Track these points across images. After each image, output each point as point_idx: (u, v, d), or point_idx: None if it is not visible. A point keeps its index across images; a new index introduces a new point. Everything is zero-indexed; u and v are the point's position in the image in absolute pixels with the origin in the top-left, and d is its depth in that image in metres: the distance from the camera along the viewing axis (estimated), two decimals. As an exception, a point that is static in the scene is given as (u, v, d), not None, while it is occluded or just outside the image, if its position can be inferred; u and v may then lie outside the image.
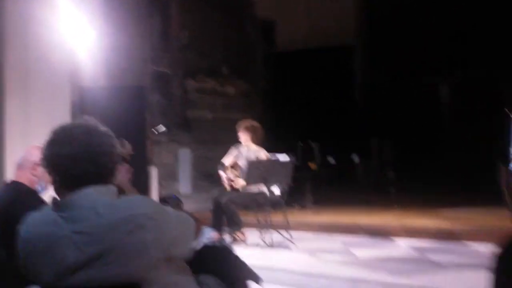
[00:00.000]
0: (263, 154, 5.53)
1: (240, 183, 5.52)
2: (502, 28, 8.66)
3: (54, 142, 1.45)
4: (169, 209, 1.56)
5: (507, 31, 8.55)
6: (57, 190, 1.48)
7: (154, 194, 7.09)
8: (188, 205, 7.99)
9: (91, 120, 1.52)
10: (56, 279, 1.39)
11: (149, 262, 1.38)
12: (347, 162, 7.12)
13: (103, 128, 1.51)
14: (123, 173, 1.80)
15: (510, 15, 8.44)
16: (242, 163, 5.64)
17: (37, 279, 1.45)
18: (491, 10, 8.75)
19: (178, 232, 1.49)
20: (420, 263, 4.19)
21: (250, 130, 5.60)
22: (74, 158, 1.42)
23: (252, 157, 5.45)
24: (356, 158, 6.88)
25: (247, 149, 5.65)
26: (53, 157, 1.44)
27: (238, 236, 5.30)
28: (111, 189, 1.50)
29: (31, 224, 1.50)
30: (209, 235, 2.19)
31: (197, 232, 1.65)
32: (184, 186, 8.36)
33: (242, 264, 2.13)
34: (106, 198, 1.44)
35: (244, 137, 5.61)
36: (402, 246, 4.87)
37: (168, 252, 1.44)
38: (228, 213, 5.26)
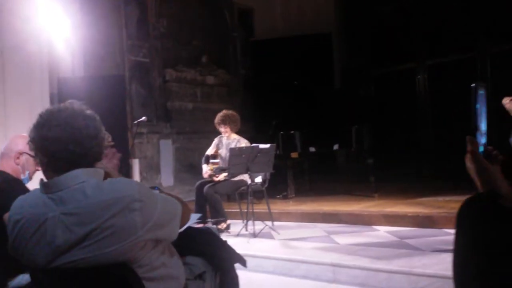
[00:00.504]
0: (243, 143, 5.57)
1: (221, 176, 5.56)
2: (475, 10, 8.81)
3: (40, 125, 1.48)
4: (156, 192, 1.59)
5: (480, 12, 8.71)
6: (45, 172, 1.51)
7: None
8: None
9: (76, 104, 1.54)
10: (48, 260, 1.42)
11: (137, 243, 1.42)
12: (328, 150, 7.17)
13: (89, 111, 1.54)
14: (110, 158, 1.80)
15: None
16: (223, 152, 5.68)
17: (29, 261, 1.47)
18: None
19: (165, 214, 1.52)
20: (399, 248, 4.28)
21: (227, 120, 5.61)
22: (61, 140, 1.45)
23: (233, 146, 5.49)
24: (335, 146, 6.93)
25: (227, 139, 5.70)
26: (40, 140, 1.47)
27: (221, 226, 5.34)
28: (99, 171, 1.53)
29: (20, 206, 1.53)
30: (194, 219, 2.21)
31: (185, 216, 1.67)
32: (166, 178, 8.34)
33: (228, 247, 2.17)
34: (93, 179, 1.46)
35: (223, 129, 5.63)
36: (382, 233, 4.97)
37: (155, 234, 1.47)
38: (211, 202, 5.29)
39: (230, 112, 5.71)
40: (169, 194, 1.67)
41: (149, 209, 1.44)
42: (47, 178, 1.50)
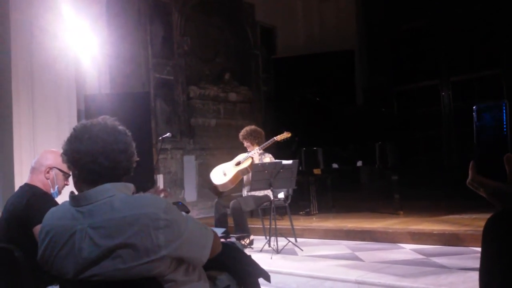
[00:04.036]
0: (268, 158, 5.57)
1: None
2: (498, 28, 8.74)
3: (73, 138, 1.52)
4: (189, 216, 1.57)
5: (503, 30, 8.64)
6: (76, 184, 1.55)
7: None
8: (194, 212, 8.04)
9: (109, 119, 1.57)
10: (75, 272, 1.44)
11: (162, 261, 1.41)
12: (351, 166, 7.13)
13: (120, 127, 1.57)
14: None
15: (506, 14, 8.53)
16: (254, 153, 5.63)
17: (58, 272, 1.49)
18: (488, 11, 8.84)
19: (194, 238, 1.51)
20: (425, 266, 4.21)
21: (251, 136, 5.63)
22: (91, 153, 1.48)
23: (256, 161, 5.50)
24: (359, 162, 6.88)
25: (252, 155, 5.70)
26: (71, 152, 1.50)
27: (244, 241, 5.33)
28: (128, 186, 1.55)
29: (51, 218, 1.56)
30: (219, 234, 2.20)
31: (216, 246, 1.62)
32: (189, 193, 8.39)
33: (253, 262, 2.17)
34: (122, 194, 1.48)
35: (247, 144, 5.66)
36: (408, 250, 4.89)
37: (181, 255, 1.47)
38: (236, 217, 5.29)
39: (253, 127, 5.75)
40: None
41: (175, 229, 1.43)
42: (78, 190, 1.53)
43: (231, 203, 5.32)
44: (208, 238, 1.57)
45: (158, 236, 1.39)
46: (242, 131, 5.73)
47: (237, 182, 5.61)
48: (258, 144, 5.66)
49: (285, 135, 5.70)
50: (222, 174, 5.60)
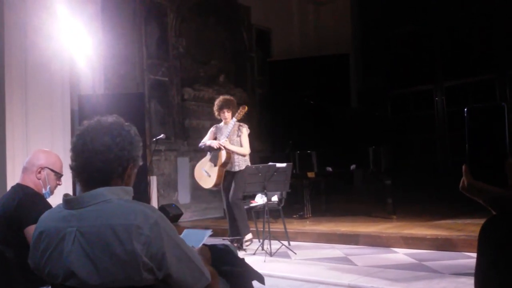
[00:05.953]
0: (245, 129, 5.43)
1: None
2: (493, 33, 8.80)
3: (77, 136, 1.49)
4: (190, 248, 1.50)
5: (497, 36, 8.70)
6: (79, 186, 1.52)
7: (154, 203, 7.09)
8: (187, 215, 8.02)
9: (116, 120, 1.52)
10: (65, 276, 1.40)
11: (140, 273, 1.35)
12: (345, 170, 7.13)
13: (126, 129, 1.51)
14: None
15: (501, 19, 8.60)
16: (221, 140, 5.47)
17: (49, 275, 1.45)
18: (483, 16, 8.90)
19: (175, 255, 1.41)
20: (418, 271, 4.21)
21: (231, 106, 5.43)
22: (84, 156, 1.45)
23: (234, 134, 5.36)
24: (352, 166, 6.89)
25: (226, 126, 5.51)
26: (72, 150, 1.48)
27: (244, 241, 5.33)
28: (127, 190, 1.50)
29: (45, 219, 1.53)
30: (207, 235, 2.18)
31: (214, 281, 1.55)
32: (183, 195, 8.35)
33: (246, 264, 2.14)
34: (117, 200, 1.44)
35: (226, 115, 5.44)
36: (401, 255, 4.89)
37: (161, 270, 1.38)
38: (236, 215, 5.25)
39: (229, 96, 5.57)
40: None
41: (155, 248, 1.36)
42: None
43: (229, 199, 5.29)
44: (195, 260, 1.47)
45: (137, 251, 1.33)
46: (221, 100, 5.47)
47: (223, 175, 5.45)
48: (234, 114, 5.43)
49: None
50: (207, 176, 5.46)
